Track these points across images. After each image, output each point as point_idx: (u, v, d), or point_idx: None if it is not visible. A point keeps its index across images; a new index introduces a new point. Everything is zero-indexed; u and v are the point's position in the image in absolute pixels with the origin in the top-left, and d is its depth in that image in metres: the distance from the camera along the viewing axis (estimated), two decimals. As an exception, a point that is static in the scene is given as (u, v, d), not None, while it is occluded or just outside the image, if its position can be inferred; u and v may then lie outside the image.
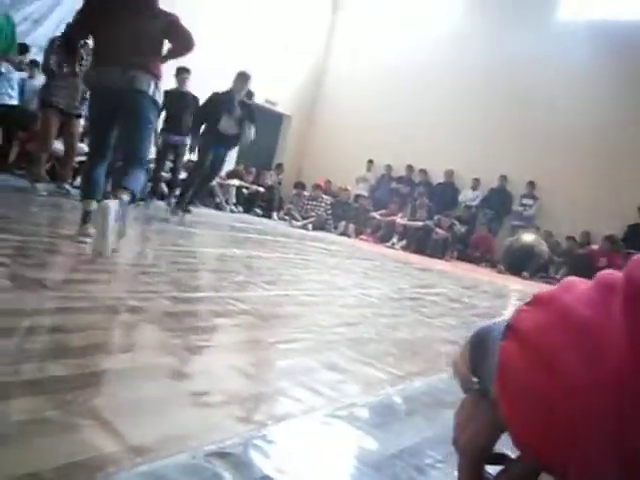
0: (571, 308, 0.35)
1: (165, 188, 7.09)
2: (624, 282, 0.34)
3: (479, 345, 0.47)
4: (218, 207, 8.59)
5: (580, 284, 0.38)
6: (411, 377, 1.57)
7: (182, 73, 6.21)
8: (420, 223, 8.92)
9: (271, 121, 11.91)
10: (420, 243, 8.71)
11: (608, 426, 0.31)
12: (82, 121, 5.38)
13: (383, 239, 9.16)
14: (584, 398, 0.32)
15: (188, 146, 5.99)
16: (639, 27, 8.79)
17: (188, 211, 5.66)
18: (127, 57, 2.76)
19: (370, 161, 10.96)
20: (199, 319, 1.81)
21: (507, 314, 0.45)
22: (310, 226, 8.86)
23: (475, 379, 0.47)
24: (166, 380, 1.21)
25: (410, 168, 10.57)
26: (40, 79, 6.67)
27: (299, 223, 9.02)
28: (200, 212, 6.91)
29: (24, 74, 6.46)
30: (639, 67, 8.58)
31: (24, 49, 6.25)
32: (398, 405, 1.35)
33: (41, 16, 7.85)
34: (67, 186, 5.40)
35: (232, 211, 9.00)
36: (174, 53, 3.06)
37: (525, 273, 7.80)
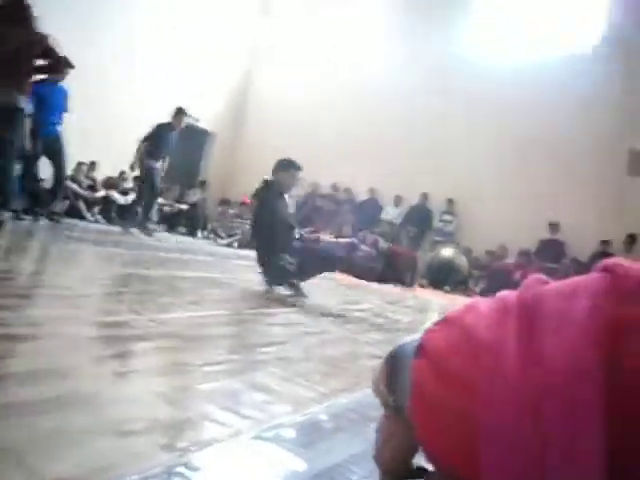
0: (473, 329, 0.38)
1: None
2: (516, 304, 0.37)
3: (394, 364, 0.49)
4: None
5: (482, 304, 0.41)
6: (337, 394, 1.59)
7: (180, 115, 7.21)
8: (346, 240, 9.05)
9: (195, 138, 11.76)
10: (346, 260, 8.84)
11: (506, 438, 0.33)
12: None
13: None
14: (486, 413, 0.34)
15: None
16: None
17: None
18: None
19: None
20: (121, 344, 1.75)
21: (422, 331, 0.48)
22: (236, 244, 8.79)
23: (391, 397, 0.49)
24: (87, 409, 1.16)
25: (335, 186, 10.75)
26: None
27: (224, 241, 8.94)
28: (119, 231, 6.71)
29: None
30: (556, 85, 9.13)
31: None
32: (324, 422, 1.36)
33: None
34: None
35: (155, 231, 8.77)
36: None
37: (446, 287, 8.08)
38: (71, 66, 4.60)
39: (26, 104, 3.87)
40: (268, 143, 11.58)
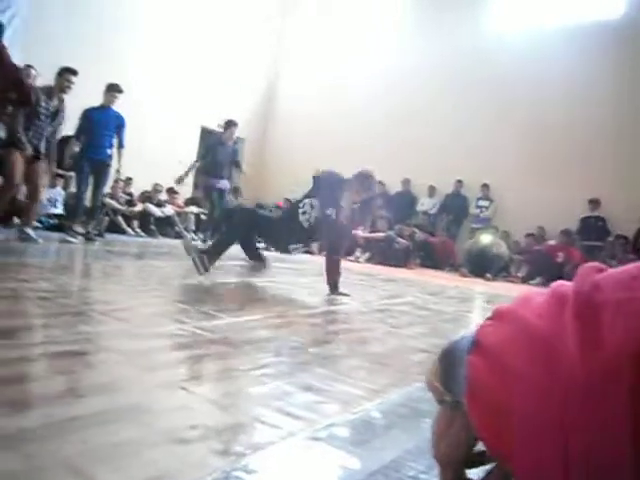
0: (528, 322, 0.37)
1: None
2: (573, 295, 0.36)
3: (448, 361, 0.49)
4: (178, 236, 8.49)
5: (536, 297, 0.40)
6: (386, 390, 1.59)
7: (230, 126, 7.09)
8: (382, 234, 9.02)
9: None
10: (383, 254, 8.80)
11: (557, 431, 0.33)
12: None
13: (346, 253, 9.21)
14: (540, 406, 0.34)
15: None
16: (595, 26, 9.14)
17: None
18: None
19: (328, 177, 11.05)
20: (169, 354, 1.78)
21: (473, 325, 0.47)
22: (272, 247, 8.84)
23: (447, 393, 0.49)
24: (139, 420, 1.18)
25: (367, 180, 10.69)
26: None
27: (262, 245, 8.99)
28: (160, 242, 6.83)
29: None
30: (589, 64, 8.89)
31: None
32: (377, 420, 1.36)
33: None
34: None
35: (193, 239, 8.91)
36: None
37: (488, 274, 7.96)
38: (35, 98, 4.73)
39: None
40: (296, 146, 11.65)
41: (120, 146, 6.02)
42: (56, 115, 5.20)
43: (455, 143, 9.88)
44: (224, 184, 6.98)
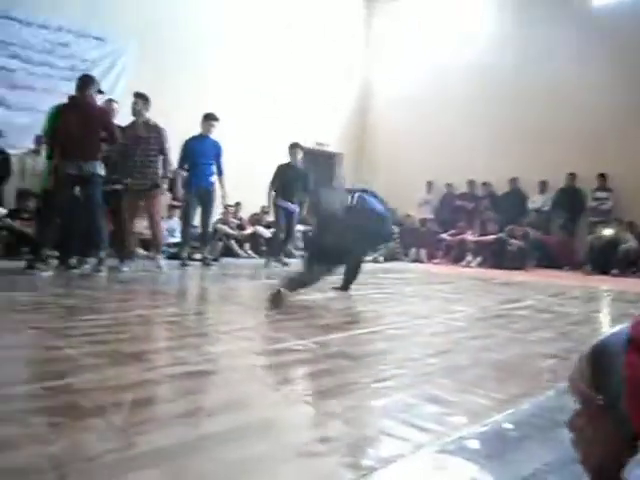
0: None
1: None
2: None
3: (599, 361, 0.45)
4: (286, 254, 8.71)
5: None
6: (516, 400, 1.50)
7: (294, 149, 6.99)
8: (492, 237, 8.68)
9: (325, 162, 12.12)
10: (495, 257, 8.46)
11: None
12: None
13: (457, 259, 8.97)
14: None
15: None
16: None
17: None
18: None
19: (429, 182, 10.85)
20: (291, 369, 1.81)
21: (607, 326, 0.42)
22: (381, 258, 8.80)
23: (599, 395, 0.45)
24: (268, 435, 1.21)
25: (472, 183, 10.37)
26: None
27: (369, 257, 8.99)
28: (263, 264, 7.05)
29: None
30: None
31: None
32: (509, 431, 1.29)
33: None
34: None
35: (302, 256, 9.10)
36: None
37: (614, 270, 7.38)
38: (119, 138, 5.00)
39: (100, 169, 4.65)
40: (393, 153, 11.56)
41: (219, 174, 6.27)
42: (139, 140, 5.26)
43: (567, 135, 9.30)
44: (291, 207, 6.98)
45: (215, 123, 6.23)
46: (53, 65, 8.08)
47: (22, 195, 6.68)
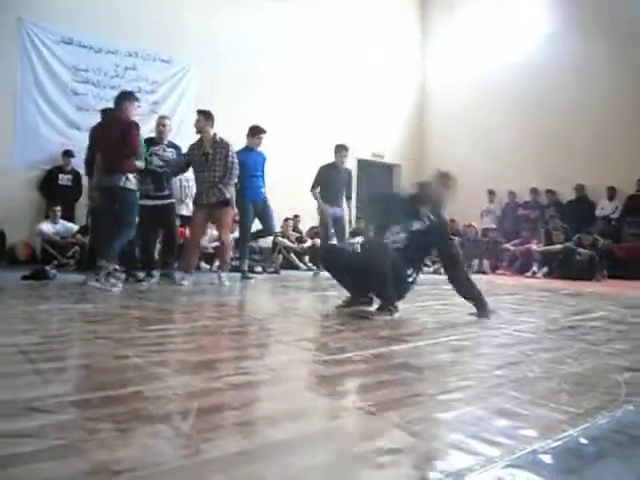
0: None
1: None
2: None
3: None
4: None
5: None
6: (593, 414, 1.42)
7: (340, 151, 6.77)
8: (559, 246, 8.36)
9: (381, 174, 12.07)
10: (563, 267, 8.13)
11: None
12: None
13: (522, 270, 8.69)
14: None
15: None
16: None
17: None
18: None
19: (491, 192, 10.61)
20: (352, 380, 1.79)
21: None
22: (442, 270, 8.64)
23: None
24: (333, 445, 1.19)
25: (535, 191, 10.05)
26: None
27: (431, 269, 8.85)
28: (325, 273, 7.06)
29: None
30: None
31: None
32: (585, 447, 1.22)
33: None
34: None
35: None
36: None
37: (694, 280, 6.95)
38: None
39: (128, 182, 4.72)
40: (452, 163, 11.37)
41: (264, 184, 6.43)
42: (207, 157, 5.35)
43: (633, 137, 8.88)
44: (338, 211, 6.75)
45: (263, 136, 6.32)
46: (121, 88, 8.46)
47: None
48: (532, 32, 10.63)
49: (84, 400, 1.44)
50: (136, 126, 4.76)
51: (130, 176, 4.74)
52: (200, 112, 5.42)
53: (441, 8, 12.40)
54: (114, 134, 4.66)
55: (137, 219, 4.96)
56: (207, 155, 5.35)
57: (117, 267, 5.05)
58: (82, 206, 7.17)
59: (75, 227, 7.26)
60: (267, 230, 6.43)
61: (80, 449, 1.11)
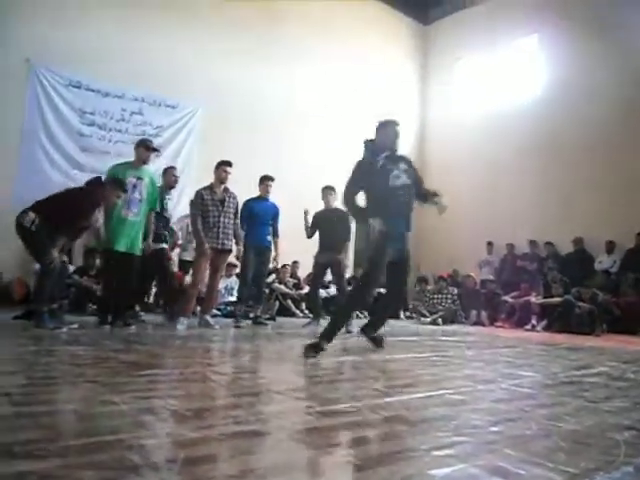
0: None
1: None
2: None
3: None
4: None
5: None
6: (589, 475, 1.38)
7: (326, 192, 6.55)
8: (558, 299, 8.30)
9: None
10: (562, 321, 8.05)
11: None
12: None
13: (520, 322, 8.60)
14: None
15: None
16: None
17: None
18: None
19: (489, 243, 10.64)
20: (345, 433, 1.74)
21: None
22: (440, 320, 8.57)
23: None
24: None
25: (534, 243, 10.09)
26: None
27: (428, 319, 8.78)
28: (323, 322, 6.99)
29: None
30: None
31: None
32: (583, 510, 1.17)
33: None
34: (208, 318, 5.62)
35: (358, 316, 8.99)
36: None
37: (694, 337, 6.88)
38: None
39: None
40: (452, 214, 11.41)
41: (275, 235, 6.41)
42: (223, 204, 5.59)
43: (634, 187, 8.95)
44: (334, 258, 6.28)
45: (272, 183, 6.40)
46: (126, 131, 8.62)
47: (88, 253, 7.01)
48: (532, 81, 10.90)
49: (66, 447, 1.39)
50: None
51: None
52: (230, 164, 5.68)
53: (441, 62, 12.77)
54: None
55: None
56: (223, 202, 5.62)
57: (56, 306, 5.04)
58: (80, 247, 7.16)
59: (71, 267, 7.25)
60: (255, 276, 6.37)
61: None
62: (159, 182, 5.80)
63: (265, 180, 6.43)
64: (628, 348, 5.61)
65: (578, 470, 1.40)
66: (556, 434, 1.76)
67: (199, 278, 5.57)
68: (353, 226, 6.41)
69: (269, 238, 6.35)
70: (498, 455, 1.50)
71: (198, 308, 5.90)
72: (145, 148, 5.33)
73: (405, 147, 12.70)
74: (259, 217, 6.25)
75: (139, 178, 5.25)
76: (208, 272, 5.65)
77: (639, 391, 2.78)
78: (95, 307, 6.31)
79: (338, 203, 6.49)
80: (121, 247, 5.06)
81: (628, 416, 2.10)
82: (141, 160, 5.33)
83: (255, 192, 6.47)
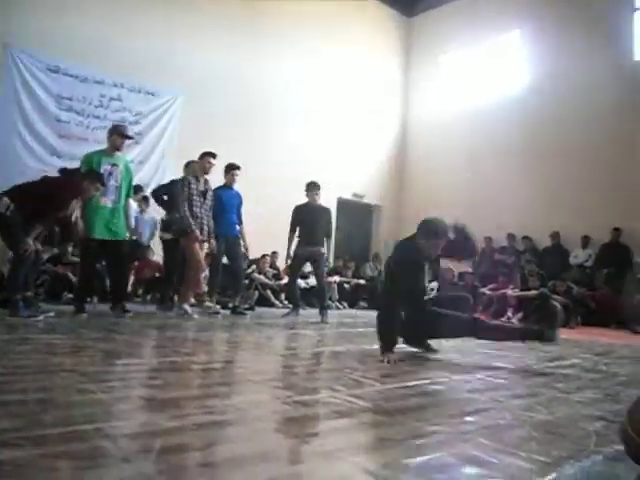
0: None
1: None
2: None
3: None
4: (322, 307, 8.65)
5: None
6: (561, 463, 1.41)
7: (312, 189, 6.51)
8: (534, 292, 8.43)
9: (361, 214, 12.17)
10: (538, 313, 8.18)
11: None
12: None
13: (497, 314, 8.71)
14: None
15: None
16: None
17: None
18: None
19: (468, 237, 10.72)
20: (323, 422, 1.76)
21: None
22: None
23: None
24: (298, 492, 1.16)
25: (512, 237, 10.21)
26: (150, 213, 7.40)
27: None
28: (308, 313, 7.00)
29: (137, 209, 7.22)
30: None
31: (138, 189, 7.02)
32: (553, 498, 1.20)
33: (144, 158, 8.80)
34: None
35: (337, 307, 9.03)
36: None
37: (665, 330, 7.05)
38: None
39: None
40: (431, 207, 11.49)
41: (239, 222, 6.42)
42: (204, 196, 5.73)
43: (611, 188, 9.12)
44: (315, 250, 6.36)
45: (237, 172, 6.38)
46: (105, 117, 8.48)
47: (63, 240, 6.93)
48: (514, 80, 10.99)
49: (42, 436, 1.38)
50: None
51: None
52: (214, 156, 5.77)
53: (425, 53, 12.79)
54: None
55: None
56: (205, 193, 5.75)
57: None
58: (55, 235, 7.05)
59: (46, 255, 7.14)
60: (232, 267, 6.36)
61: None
62: (134, 170, 5.87)
63: (231, 169, 6.40)
64: (601, 341, 5.73)
65: (550, 459, 1.44)
66: (529, 424, 1.80)
67: (196, 261, 5.56)
68: (334, 222, 6.52)
69: (237, 227, 6.36)
70: (472, 444, 1.52)
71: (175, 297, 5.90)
72: (119, 135, 5.29)
73: (387, 141, 12.81)
74: (226, 205, 6.25)
75: (114, 165, 5.23)
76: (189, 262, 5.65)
77: (611, 383, 2.84)
78: (71, 296, 6.28)
79: (321, 200, 6.57)
80: (99, 234, 5.04)
81: (599, 407, 2.15)
82: (114, 147, 5.29)
83: (236, 183, 6.45)
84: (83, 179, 4.84)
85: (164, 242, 6.37)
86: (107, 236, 5.08)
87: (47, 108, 8.13)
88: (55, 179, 5.02)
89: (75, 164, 7.08)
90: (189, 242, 5.56)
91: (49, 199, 4.55)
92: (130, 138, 5.66)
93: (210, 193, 5.84)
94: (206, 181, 5.80)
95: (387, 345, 3.03)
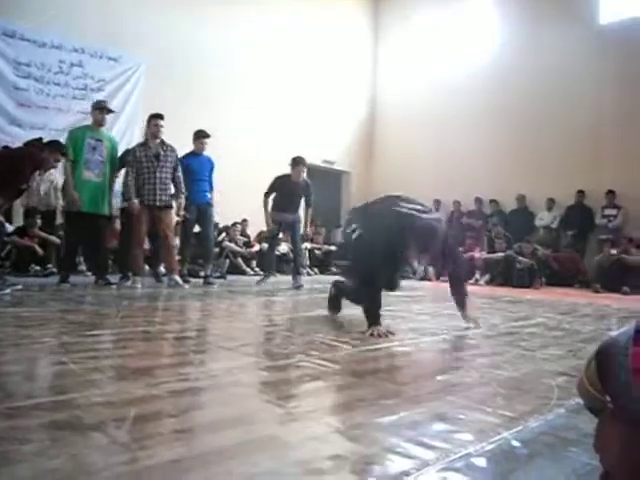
0: None
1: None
2: None
3: (606, 361, 0.43)
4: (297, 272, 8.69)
5: None
6: (525, 417, 1.47)
7: (298, 165, 6.34)
8: (501, 254, 8.62)
9: (331, 180, 12.15)
10: (504, 275, 8.40)
11: None
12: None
13: (465, 277, 8.90)
14: None
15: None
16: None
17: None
18: None
19: (437, 201, 10.84)
20: (296, 385, 1.79)
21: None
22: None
23: (607, 397, 0.43)
24: (275, 451, 1.19)
25: (479, 200, 10.36)
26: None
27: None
28: (278, 279, 7.03)
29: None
30: None
31: None
32: (517, 449, 1.26)
33: (109, 126, 8.55)
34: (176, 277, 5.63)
35: (309, 274, 9.08)
36: None
37: (625, 288, 7.31)
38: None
39: None
40: (401, 172, 11.55)
41: (211, 188, 6.31)
42: (158, 158, 5.46)
43: (572, 150, 9.29)
44: (290, 218, 6.43)
45: (207, 140, 6.24)
46: (66, 84, 8.18)
47: (29, 213, 6.76)
48: (484, 42, 10.96)
49: (15, 408, 1.38)
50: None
51: None
52: (160, 117, 5.58)
53: (394, 17, 12.62)
54: None
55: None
56: (158, 156, 5.48)
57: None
58: (19, 206, 6.88)
59: (10, 227, 6.97)
60: (202, 236, 6.32)
61: (9, 459, 1.06)
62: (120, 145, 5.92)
63: (200, 136, 6.23)
64: (565, 300, 5.91)
65: (515, 414, 1.50)
66: (495, 381, 1.86)
67: (137, 237, 5.46)
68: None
69: (209, 195, 6.25)
70: (440, 402, 1.58)
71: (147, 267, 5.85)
72: (99, 110, 5.41)
73: (358, 108, 12.69)
74: (196, 173, 6.08)
75: (98, 140, 5.37)
76: (160, 232, 5.57)
77: (573, 339, 2.95)
78: (38, 268, 6.22)
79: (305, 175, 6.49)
80: (84, 208, 5.17)
81: (562, 363, 2.23)
82: (97, 122, 5.43)
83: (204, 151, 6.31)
84: (43, 149, 4.70)
85: (120, 211, 6.22)
86: (91, 209, 5.19)
87: (4, 74, 7.79)
88: (14, 150, 4.86)
89: (36, 133, 6.88)
90: (129, 216, 5.49)
91: (9, 170, 4.42)
92: (110, 111, 5.65)
93: (170, 154, 5.56)
94: (162, 142, 5.54)
95: (374, 319, 3.01)
